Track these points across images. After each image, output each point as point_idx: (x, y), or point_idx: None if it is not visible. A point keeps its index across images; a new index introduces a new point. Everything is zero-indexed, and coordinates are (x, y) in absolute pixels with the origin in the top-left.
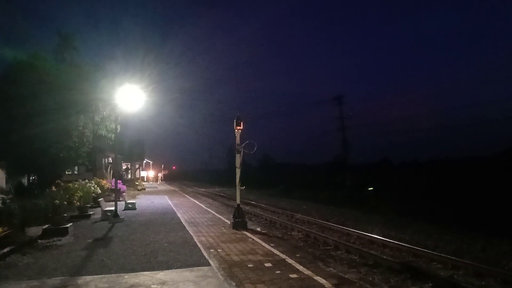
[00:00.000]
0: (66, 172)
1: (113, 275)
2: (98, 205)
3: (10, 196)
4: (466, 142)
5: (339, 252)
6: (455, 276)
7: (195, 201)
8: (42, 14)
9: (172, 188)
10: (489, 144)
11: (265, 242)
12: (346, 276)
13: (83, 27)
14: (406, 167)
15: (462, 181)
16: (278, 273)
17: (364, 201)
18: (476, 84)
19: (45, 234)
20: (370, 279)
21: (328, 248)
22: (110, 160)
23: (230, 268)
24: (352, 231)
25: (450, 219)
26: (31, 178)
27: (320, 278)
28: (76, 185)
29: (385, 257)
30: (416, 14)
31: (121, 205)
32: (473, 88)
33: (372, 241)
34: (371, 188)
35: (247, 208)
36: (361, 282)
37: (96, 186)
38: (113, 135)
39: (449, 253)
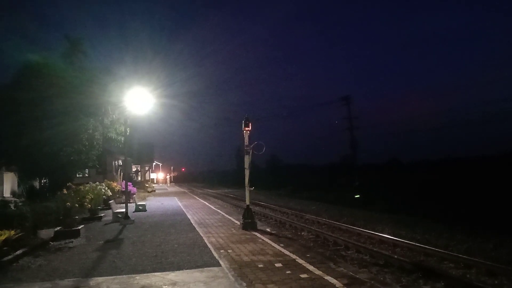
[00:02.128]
0: (77, 175)
1: (124, 276)
2: (108, 207)
3: (22, 199)
4: (476, 140)
5: (349, 252)
6: (467, 275)
7: (205, 202)
8: (51, 19)
9: (182, 189)
10: (500, 142)
11: (275, 243)
12: (357, 276)
13: (92, 31)
14: (416, 167)
15: (472, 180)
16: (289, 273)
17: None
18: (487, 82)
19: (57, 236)
20: (382, 278)
21: (338, 248)
22: (120, 162)
23: (240, 269)
24: (362, 231)
25: (461, 218)
26: (42, 181)
27: (331, 278)
28: (87, 188)
29: (396, 256)
30: (426, 13)
31: (131, 207)
32: (483, 86)
33: (383, 240)
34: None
35: (256, 209)
36: (372, 282)
37: (106, 188)
38: (122, 138)
39: (461, 252)
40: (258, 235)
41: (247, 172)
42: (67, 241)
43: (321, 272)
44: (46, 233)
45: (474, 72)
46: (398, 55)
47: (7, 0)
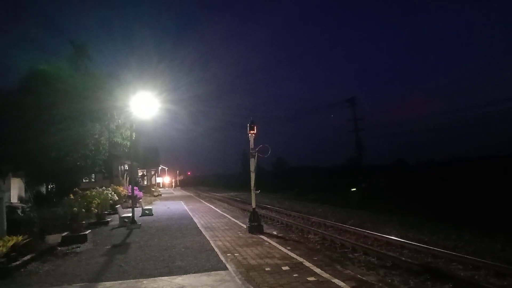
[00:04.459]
0: (84, 180)
1: (131, 280)
2: (115, 211)
3: (30, 205)
4: (482, 140)
5: (356, 255)
6: (476, 277)
7: (211, 206)
8: (57, 24)
9: (188, 193)
10: (506, 142)
11: (282, 246)
12: (364, 279)
13: (97, 36)
14: (421, 168)
15: (478, 180)
16: (296, 276)
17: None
18: (490, 82)
19: (64, 242)
20: (389, 281)
21: (345, 250)
22: (126, 167)
23: (247, 272)
24: (369, 233)
25: (468, 219)
26: (49, 186)
27: (338, 280)
28: (93, 193)
29: (403, 258)
30: (429, 14)
31: (138, 211)
32: (487, 87)
33: (390, 242)
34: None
35: (262, 212)
36: (380, 284)
37: (113, 193)
38: (128, 143)
39: (469, 253)
40: (265, 238)
41: (253, 175)
42: (74, 246)
43: (328, 275)
44: (53, 238)
45: (477, 72)
46: (401, 55)
47: (14, 6)
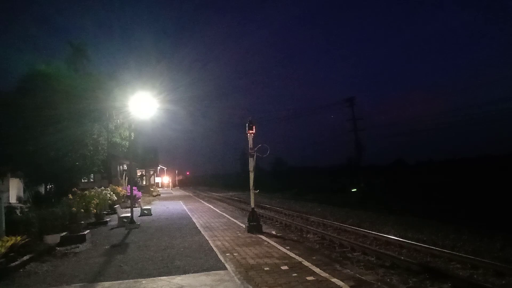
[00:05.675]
0: (82, 180)
1: (130, 280)
2: (114, 212)
3: (28, 205)
4: (481, 140)
5: (355, 254)
6: (475, 276)
7: (210, 205)
8: (56, 25)
9: (187, 193)
10: (504, 142)
11: (281, 245)
12: (363, 278)
13: (96, 36)
14: (421, 167)
15: (477, 180)
16: (295, 276)
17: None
18: (490, 81)
19: (63, 242)
20: (388, 280)
21: (344, 250)
22: (125, 167)
23: (246, 272)
24: (368, 232)
25: (467, 219)
26: (48, 187)
27: (337, 280)
28: (92, 193)
29: (402, 258)
30: (428, 13)
31: (137, 211)
32: (487, 86)
33: (389, 242)
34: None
35: (261, 211)
36: (379, 284)
37: (112, 193)
38: (127, 143)
39: (468, 252)
40: (264, 237)
41: (251, 175)
42: (73, 246)
43: (327, 275)
44: (52, 239)
45: (477, 71)
46: (401, 55)
47: (13, 6)
